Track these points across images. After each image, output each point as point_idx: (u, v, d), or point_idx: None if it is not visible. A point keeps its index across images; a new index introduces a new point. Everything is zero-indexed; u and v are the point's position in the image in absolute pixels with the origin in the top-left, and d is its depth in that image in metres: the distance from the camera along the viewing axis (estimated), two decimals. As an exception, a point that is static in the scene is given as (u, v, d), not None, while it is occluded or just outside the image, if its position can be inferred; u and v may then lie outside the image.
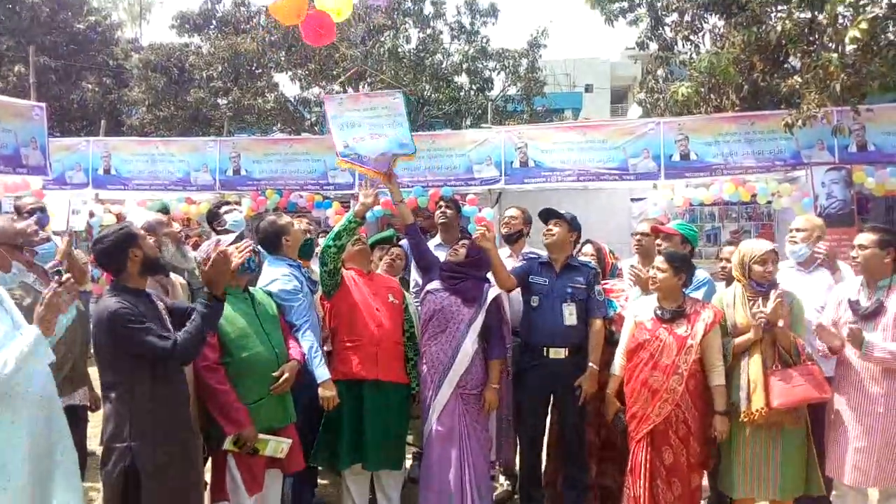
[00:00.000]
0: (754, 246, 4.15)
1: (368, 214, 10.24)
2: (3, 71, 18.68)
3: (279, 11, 5.01)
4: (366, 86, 16.54)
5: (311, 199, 10.86)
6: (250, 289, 4.03)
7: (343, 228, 4.37)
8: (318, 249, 4.73)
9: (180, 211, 10.75)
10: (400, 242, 5.34)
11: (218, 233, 4.85)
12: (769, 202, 9.56)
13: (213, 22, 16.80)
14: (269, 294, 4.13)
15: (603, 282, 4.68)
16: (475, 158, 10.54)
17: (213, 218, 5.32)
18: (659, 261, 4.11)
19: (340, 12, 5.03)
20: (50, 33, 19.76)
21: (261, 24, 16.01)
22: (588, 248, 4.94)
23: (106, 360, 3.14)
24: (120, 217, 10.61)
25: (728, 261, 4.88)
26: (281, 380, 3.78)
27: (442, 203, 5.49)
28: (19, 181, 8.68)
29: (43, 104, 9.37)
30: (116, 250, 3.17)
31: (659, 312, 4.06)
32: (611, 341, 4.44)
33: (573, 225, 4.63)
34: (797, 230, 4.80)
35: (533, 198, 9.95)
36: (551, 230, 4.57)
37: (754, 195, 9.46)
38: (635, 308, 4.32)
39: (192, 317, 3.21)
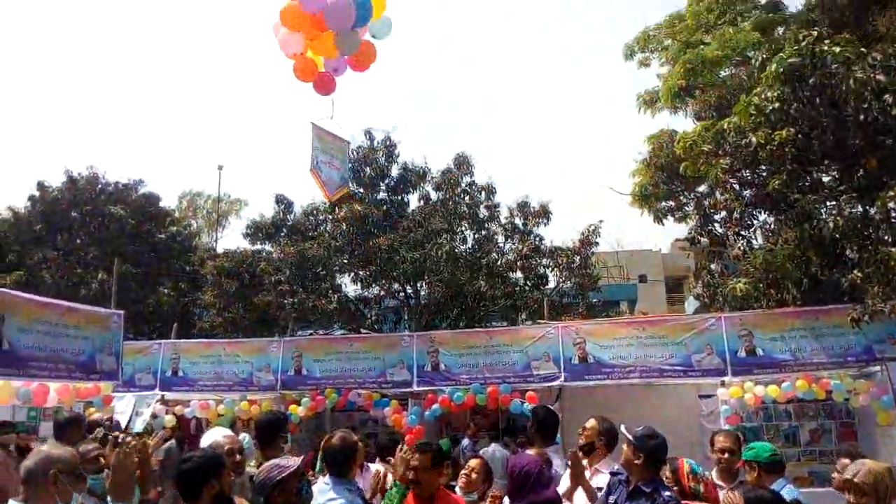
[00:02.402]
0: None
1: (427, 413, 10.03)
2: (88, 278, 20.14)
3: (296, 72, 6.55)
4: (424, 284, 17.12)
5: (370, 398, 10.87)
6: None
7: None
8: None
9: (242, 411, 10.87)
10: (476, 451, 5.13)
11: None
12: (846, 399, 9.12)
13: (284, 229, 18.05)
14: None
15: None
16: (533, 354, 10.53)
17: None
18: None
19: (321, 60, 6.69)
20: (133, 243, 21.50)
21: (327, 230, 17.10)
22: (667, 468, 4.42)
23: None
24: (181, 418, 10.78)
25: (842, 474, 4.22)
26: None
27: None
28: (91, 387, 8.99)
29: (121, 312, 9.96)
30: (200, 476, 3.12)
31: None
32: None
33: (639, 445, 4.13)
34: None
35: (595, 395, 9.76)
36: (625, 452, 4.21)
37: (829, 392, 9.06)
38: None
39: None
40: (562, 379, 10.14)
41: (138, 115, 66.73)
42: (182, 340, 12.87)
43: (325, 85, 6.69)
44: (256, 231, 18.14)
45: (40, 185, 21.68)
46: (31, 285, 18.44)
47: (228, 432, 4.41)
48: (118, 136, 64.02)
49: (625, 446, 4.21)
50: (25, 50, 63.61)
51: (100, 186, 22.13)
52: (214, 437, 4.22)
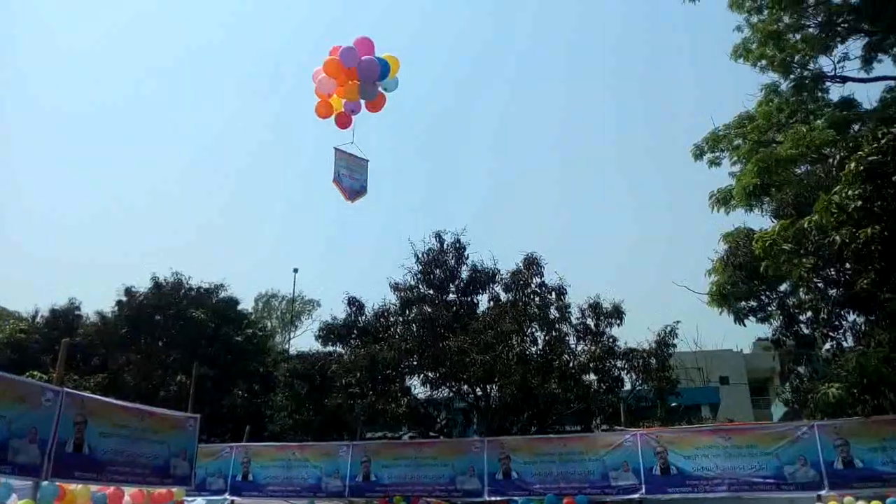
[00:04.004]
0: None
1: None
2: (167, 380, 20.74)
3: (318, 110, 9.58)
4: (494, 387, 16.78)
5: (439, 508, 10.53)
6: None
7: None
8: None
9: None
10: None
11: None
12: (961, 517, 8.26)
13: (355, 331, 18.24)
14: None
15: None
16: (610, 464, 10.08)
17: None
18: None
19: (342, 102, 9.53)
20: (212, 345, 22.14)
21: (397, 332, 17.18)
22: None
23: None
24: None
25: None
26: None
27: None
28: (164, 491, 9.04)
29: (197, 416, 10.09)
30: None
31: None
32: None
33: None
34: None
35: (679, 509, 9.17)
36: None
37: (944, 511, 8.25)
38: None
39: None
40: (643, 491, 9.63)
41: (223, 219, 70.46)
42: (253, 443, 12.91)
43: (344, 122, 9.66)
44: (328, 333, 18.37)
45: (128, 291, 22.81)
46: (113, 388, 19.10)
47: None
48: (203, 242, 67.50)
49: None
50: (121, 168, 68.91)
51: (183, 291, 23.10)
52: None
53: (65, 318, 23.83)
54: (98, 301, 40.38)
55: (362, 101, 9.45)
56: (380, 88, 9.55)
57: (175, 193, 72.38)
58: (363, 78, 9.23)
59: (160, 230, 66.66)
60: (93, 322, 23.33)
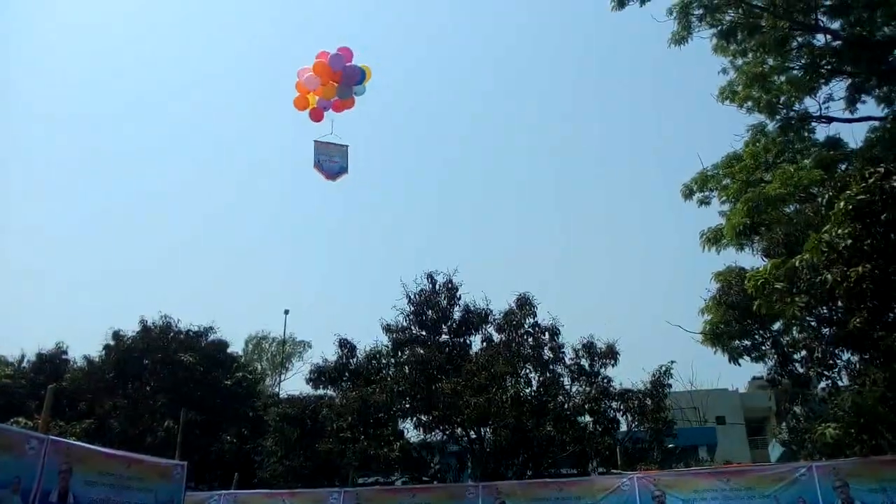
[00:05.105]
0: None
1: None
2: (154, 425, 20.32)
3: (296, 103, 11.29)
4: (488, 429, 16.54)
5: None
6: None
7: None
8: None
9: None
10: None
11: None
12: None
13: (346, 374, 18.00)
14: None
15: None
16: (609, 509, 9.88)
17: None
18: None
19: (315, 99, 11.38)
20: (201, 389, 21.76)
21: (389, 374, 16.98)
22: None
23: None
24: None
25: None
26: None
27: None
28: (152, 544, 8.77)
29: (184, 463, 9.88)
30: None
31: None
32: None
33: None
34: None
35: (680, 557, 8.97)
36: None
37: (947, 553, 8.10)
38: None
39: None
40: (642, 537, 9.41)
41: (211, 262, 70.23)
42: (241, 491, 12.61)
43: (317, 116, 11.44)
44: (319, 376, 18.13)
45: (115, 335, 22.48)
46: (99, 434, 18.71)
47: None
48: (191, 283, 67.13)
49: None
50: (103, 209, 68.89)
51: (172, 334, 22.80)
52: None
53: (51, 363, 23.47)
54: (86, 345, 39.82)
55: (333, 100, 11.41)
56: (354, 92, 11.47)
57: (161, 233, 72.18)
58: (345, 81, 11.19)
59: (154, 278, 66.24)
60: (80, 366, 22.95)
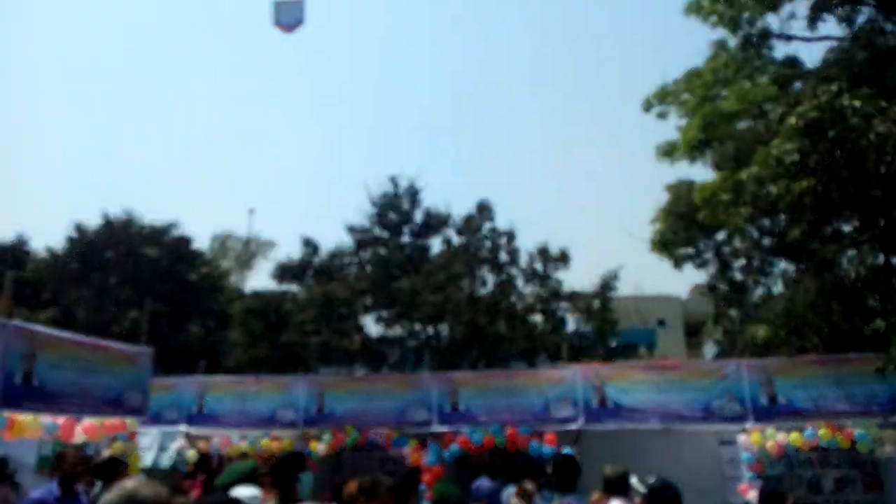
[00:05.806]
0: None
1: (446, 454, 10.03)
2: (120, 316, 20.62)
3: None
4: (445, 326, 17.28)
5: (388, 437, 10.96)
6: None
7: None
8: None
9: (263, 449, 11.01)
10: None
11: None
12: (871, 450, 9.02)
13: (310, 271, 18.43)
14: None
15: None
16: (552, 397, 10.54)
17: None
18: None
19: None
20: (165, 283, 22.00)
21: (352, 272, 17.46)
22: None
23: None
24: (204, 453, 10.95)
25: None
26: None
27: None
28: (117, 422, 9.15)
29: (150, 349, 10.13)
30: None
31: None
32: None
33: (651, 500, 3.94)
34: None
35: (615, 439, 9.75)
36: None
37: (854, 441, 8.98)
38: None
39: None
40: (580, 422, 10.13)
41: (175, 157, 68.68)
42: (208, 377, 13.08)
43: None
44: (284, 272, 18.53)
45: (78, 227, 22.39)
46: (65, 323, 18.93)
47: (255, 493, 4.03)
48: (154, 179, 65.81)
49: (637, 500, 4.19)
50: (70, 96, 66.19)
51: (135, 229, 22.78)
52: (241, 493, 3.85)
53: (13, 253, 23.34)
54: (47, 237, 39.34)
55: None
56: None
57: (126, 124, 69.96)
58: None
59: (111, 163, 64.58)
60: (42, 258, 22.92)
